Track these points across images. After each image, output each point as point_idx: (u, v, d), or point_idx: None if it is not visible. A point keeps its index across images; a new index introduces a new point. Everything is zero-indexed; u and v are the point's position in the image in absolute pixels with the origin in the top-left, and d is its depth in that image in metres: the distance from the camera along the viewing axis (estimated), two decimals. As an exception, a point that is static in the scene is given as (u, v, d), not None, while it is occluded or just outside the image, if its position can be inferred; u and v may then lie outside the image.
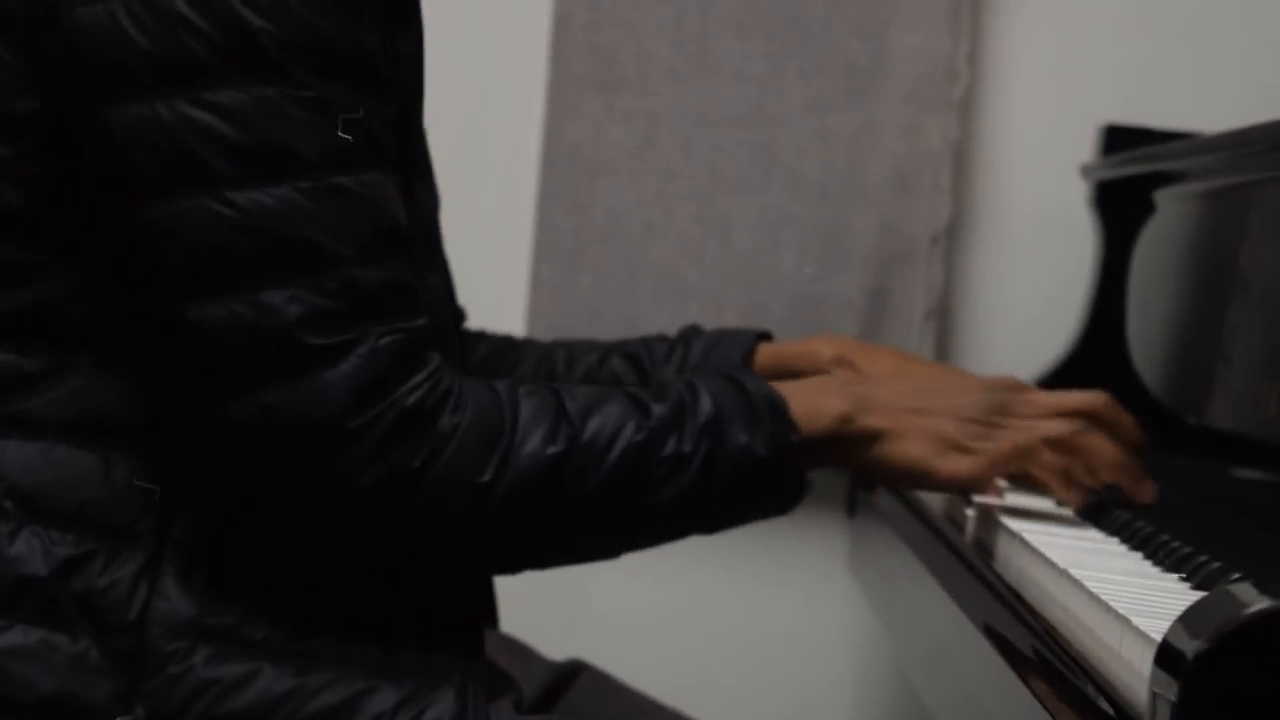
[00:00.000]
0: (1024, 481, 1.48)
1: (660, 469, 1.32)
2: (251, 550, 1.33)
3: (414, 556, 1.33)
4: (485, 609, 1.70)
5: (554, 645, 1.78)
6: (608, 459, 1.30)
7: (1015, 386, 1.49)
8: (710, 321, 2.16)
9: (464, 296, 1.71)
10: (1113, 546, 1.42)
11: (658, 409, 1.33)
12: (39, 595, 1.29)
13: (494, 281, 2.54)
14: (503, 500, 1.28)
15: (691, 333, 1.74)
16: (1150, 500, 1.51)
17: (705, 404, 1.34)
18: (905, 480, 1.43)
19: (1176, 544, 1.37)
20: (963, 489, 1.45)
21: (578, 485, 1.30)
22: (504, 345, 1.77)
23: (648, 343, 1.73)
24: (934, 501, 1.71)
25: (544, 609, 1.81)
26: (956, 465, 1.42)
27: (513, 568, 1.41)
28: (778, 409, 1.36)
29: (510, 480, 1.28)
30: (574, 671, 1.74)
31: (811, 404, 1.38)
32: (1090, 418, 1.48)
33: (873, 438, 1.41)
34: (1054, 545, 1.36)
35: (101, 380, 1.31)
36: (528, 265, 2.55)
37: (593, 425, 1.31)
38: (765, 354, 1.70)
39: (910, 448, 1.40)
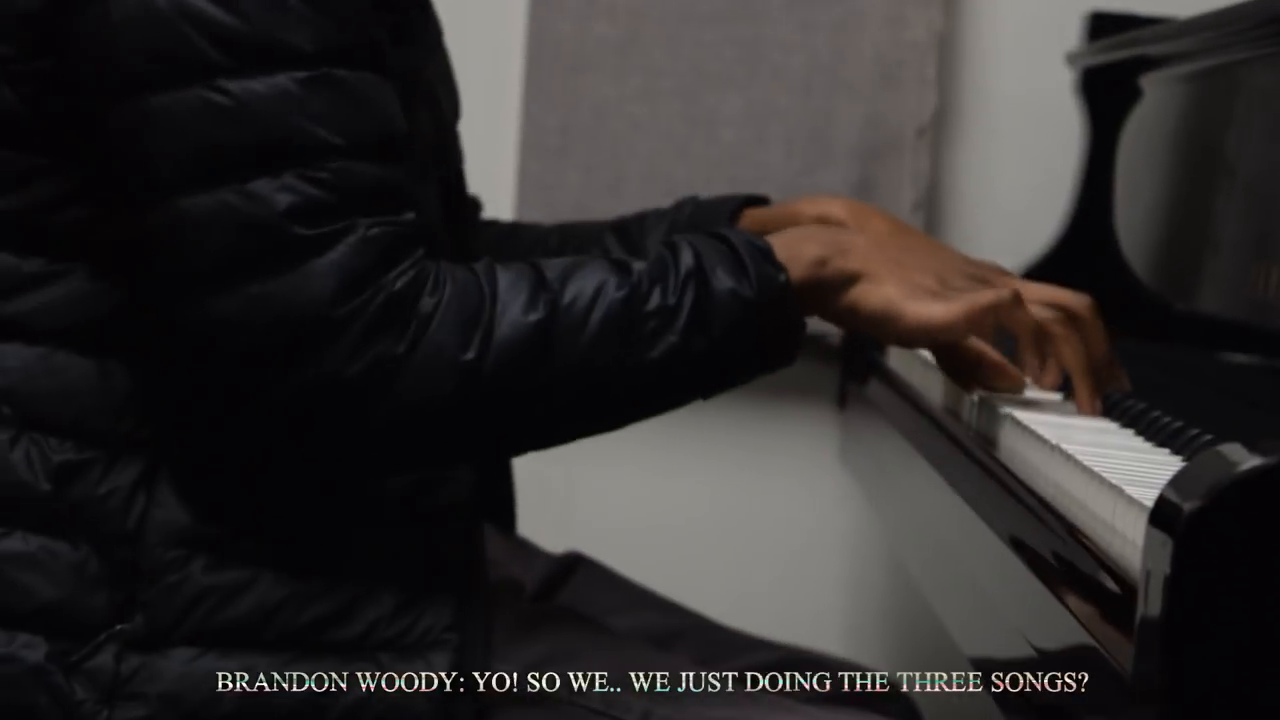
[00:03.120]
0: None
1: (648, 323, 1.29)
2: (247, 458, 1.32)
3: (412, 449, 1.30)
4: (504, 512, 1.70)
5: (544, 543, 1.79)
6: (590, 319, 1.28)
7: (1002, 271, 1.46)
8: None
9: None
10: (1103, 424, 1.43)
11: (638, 266, 1.31)
12: (38, 502, 1.29)
13: (481, 180, 2.52)
14: (491, 376, 1.26)
15: (686, 202, 1.72)
16: (1127, 388, 1.47)
17: (686, 256, 1.31)
18: (873, 326, 1.38)
19: (1167, 419, 1.38)
20: (930, 336, 1.38)
21: (564, 350, 1.27)
22: (504, 231, 1.78)
23: (641, 216, 1.72)
24: (932, 395, 1.71)
25: (532, 507, 1.82)
26: (929, 309, 1.36)
27: (512, 449, 1.40)
28: (761, 252, 1.33)
29: (495, 353, 1.26)
30: (572, 564, 1.75)
31: (790, 248, 1.35)
32: (1071, 315, 1.42)
33: (848, 281, 1.36)
34: (1045, 423, 1.37)
35: (99, 286, 1.31)
36: (514, 163, 2.55)
37: (572, 288, 1.29)
38: (750, 218, 1.67)
39: (884, 290, 1.36)
